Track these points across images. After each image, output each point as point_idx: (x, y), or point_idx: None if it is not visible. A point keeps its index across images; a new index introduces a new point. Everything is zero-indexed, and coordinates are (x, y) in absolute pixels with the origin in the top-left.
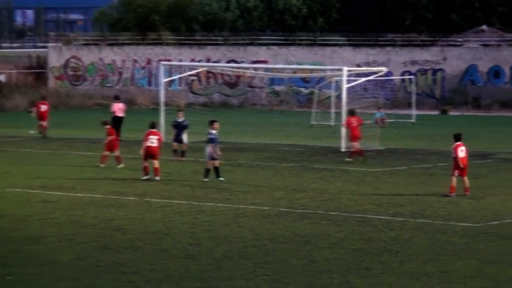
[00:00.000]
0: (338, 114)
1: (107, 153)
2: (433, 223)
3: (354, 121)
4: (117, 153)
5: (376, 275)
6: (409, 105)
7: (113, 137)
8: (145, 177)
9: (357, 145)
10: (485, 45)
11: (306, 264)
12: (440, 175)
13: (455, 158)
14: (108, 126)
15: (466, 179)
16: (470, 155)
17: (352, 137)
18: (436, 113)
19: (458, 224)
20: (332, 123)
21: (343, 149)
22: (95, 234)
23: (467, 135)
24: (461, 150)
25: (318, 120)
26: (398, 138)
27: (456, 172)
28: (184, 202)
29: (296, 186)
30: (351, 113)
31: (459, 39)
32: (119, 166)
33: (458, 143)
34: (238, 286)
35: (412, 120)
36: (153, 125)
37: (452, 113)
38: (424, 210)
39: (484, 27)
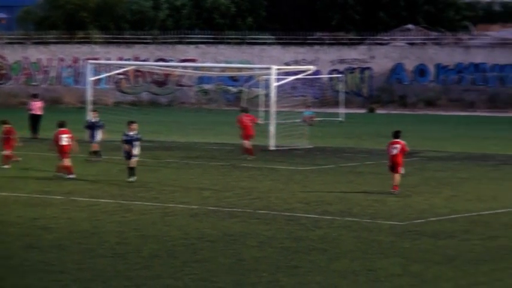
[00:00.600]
0: (267, 113)
1: (7, 152)
2: (360, 221)
3: (247, 120)
4: (7, 152)
5: (304, 273)
6: (337, 104)
7: (8, 136)
8: (70, 176)
9: (248, 143)
10: (411, 44)
11: (234, 262)
12: (368, 173)
13: (389, 155)
14: (6, 126)
15: (396, 176)
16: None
17: (244, 136)
18: (363, 111)
19: (384, 223)
20: (261, 121)
21: (272, 148)
22: (20, 233)
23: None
24: (394, 148)
25: None
26: (327, 136)
27: (399, 168)
28: (111, 201)
29: (224, 184)
30: (244, 111)
31: (386, 38)
32: (4, 166)
33: (393, 140)
34: (166, 285)
35: (340, 119)
36: (62, 124)
37: (379, 111)
38: (351, 209)
39: (410, 26)
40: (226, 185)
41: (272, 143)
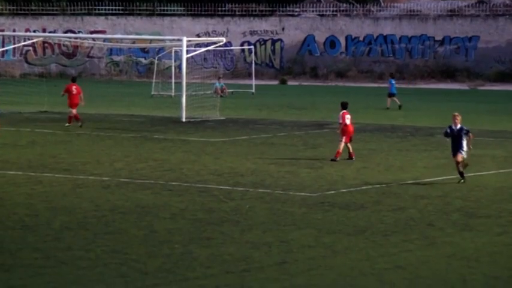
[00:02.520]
0: (179, 85)
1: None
2: (272, 193)
3: (74, 89)
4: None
5: (217, 245)
6: (249, 75)
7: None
8: None
9: (74, 111)
10: (322, 16)
11: (146, 234)
12: (280, 145)
13: (343, 125)
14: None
15: (350, 145)
16: (306, 124)
17: (71, 104)
18: (275, 83)
19: (297, 194)
20: (172, 93)
21: (183, 119)
22: None
23: (304, 104)
24: (348, 118)
25: (158, 90)
26: (239, 108)
27: (344, 138)
28: (20, 173)
29: (137, 156)
30: (72, 80)
31: (297, 10)
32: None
33: (345, 111)
34: (78, 256)
35: (252, 90)
36: None
37: (291, 82)
38: (264, 180)
39: None
40: (139, 156)
41: (183, 115)
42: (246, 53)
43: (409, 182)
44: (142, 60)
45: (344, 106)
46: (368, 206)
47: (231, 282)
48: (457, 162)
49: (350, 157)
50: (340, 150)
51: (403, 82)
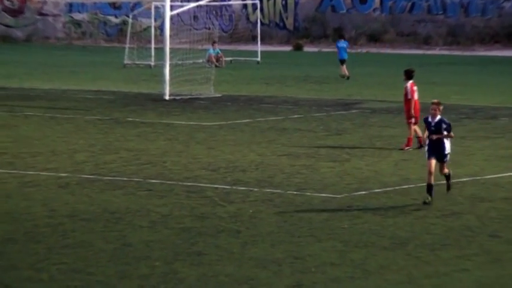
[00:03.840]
0: (160, 51)
1: None
2: (284, 194)
3: None
4: None
5: (211, 262)
6: (253, 39)
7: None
8: None
9: None
10: None
11: (117, 248)
12: (294, 130)
13: (410, 100)
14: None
15: (418, 128)
16: (328, 103)
17: None
18: (287, 48)
19: (316, 195)
20: (152, 62)
21: (167, 97)
22: None
23: (326, 77)
24: (416, 90)
25: (133, 58)
26: (240, 82)
27: (413, 119)
28: None
29: (105, 145)
30: None
31: None
32: None
33: (412, 81)
34: (26, 277)
35: (257, 59)
36: None
37: (308, 48)
38: (272, 177)
39: None
40: (107, 146)
41: (167, 91)
42: (250, 9)
43: (465, 179)
44: (112, 18)
45: (410, 75)
46: (410, 211)
47: None
48: (444, 174)
49: (420, 144)
50: (412, 135)
51: (457, 48)
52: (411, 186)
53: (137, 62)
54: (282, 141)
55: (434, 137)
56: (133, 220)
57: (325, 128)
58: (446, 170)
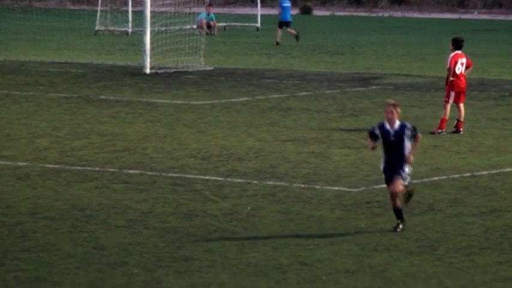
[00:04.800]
0: (139, 15)
1: None
2: (289, 187)
3: None
4: None
5: (201, 269)
6: (251, 1)
7: None
8: None
9: None
10: None
11: (88, 253)
12: (301, 110)
13: (452, 73)
14: None
15: (462, 107)
16: (342, 78)
17: None
18: (294, 12)
19: (327, 189)
20: (129, 29)
21: (147, 71)
22: None
23: (340, 47)
24: (462, 64)
25: (106, 24)
26: (235, 52)
27: (452, 96)
28: None
29: (72, 129)
30: None
31: None
32: None
33: (459, 51)
34: None
35: (257, 25)
36: None
37: (318, 12)
38: (275, 167)
39: None
40: (76, 129)
41: (148, 63)
42: None
43: (508, 169)
44: None
45: (458, 44)
46: (441, 208)
47: None
48: (394, 194)
49: (457, 129)
50: (447, 117)
51: (498, 12)
52: (442, 178)
53: (111, 28)
54: (286, 124)
55: (412, 158)
56: (108, 219)
57: (339, 107)
58: (398, 191)
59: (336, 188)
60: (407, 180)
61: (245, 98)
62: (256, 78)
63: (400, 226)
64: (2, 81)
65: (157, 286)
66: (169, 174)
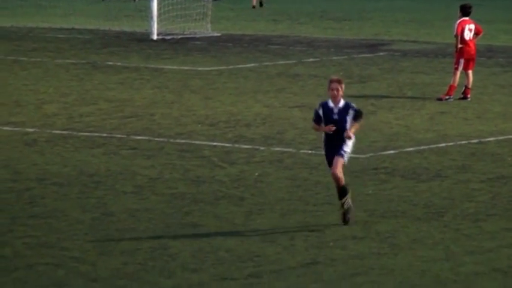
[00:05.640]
0: None
1: None
2: (296, 153)
3: None
4: None
5: (209, 236)
6: None
7: None
8: None
9: None
10: None
11: (96, 219)
12: (309, 77)
13: (460, 40)
14: None
15: (471, 74)
16: (350, 44)
17: None
18: None
19: None
20: None
21: (155, 37)
22: None
23: (347, 12)
24: (470, 30)
25: None
26: (243, 18)
27: (461, 63)
28: None
29: (80, 95)
30: None
31: None
32: None
33: (466, 18)
34: None
35: None
36: None
37: None
38: (282, 133)
39: None
40: (83, 95)
41: (155, 29)
42: None
43: None
44: None
45: (466, 10)
46: (448, 174)
47: None
48: (335, 176)
49: (465, 95)
50: (455, 84)
51: None
52: (449, 144)
53: None
54: (293, 90)
55: (352, 134)
56: (115, 185)
57: (346, 74)
58: (339, 173)
59: None
60: (346, 159)
61: (252, 64)
62: (264, 44)
63: (348, 201)
64: (9, 47)
65: (165, 252)
66: (177, 141)
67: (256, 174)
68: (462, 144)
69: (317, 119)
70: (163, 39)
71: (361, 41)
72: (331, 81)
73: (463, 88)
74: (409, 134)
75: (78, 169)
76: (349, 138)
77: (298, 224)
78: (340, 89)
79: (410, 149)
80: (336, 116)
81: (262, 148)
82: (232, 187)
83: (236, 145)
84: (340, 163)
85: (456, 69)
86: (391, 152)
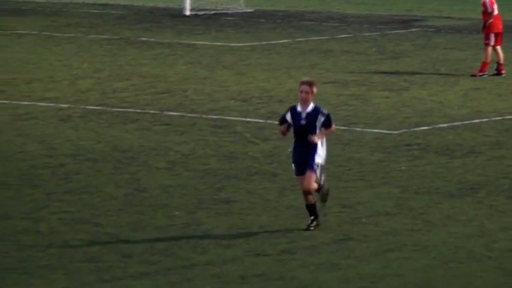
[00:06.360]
0: None
1: None
2: None
3: None
4: None
5: (241, 211)
6: None
7: None
8: None
9: None
10: None
11: (130, 194)
12: (341, 53)
13: (490, 15)
14: None
15: (500, 49)
16: (383, 20)
17: None
18: None
19: (368, 131)
20: None
21: (187, 12)
22: None
23: None
24: (496, 5)
25: None
26: None
27: (492, 38)
28: None
29: (113, 70)
30: None
31: None
32: None
33: None
34: (21, 229)
35: None
36: None
37: None
38: None
39: None
40: (117, 71)
41: (188, 5)
42: None
43: None
44: None
45: None
46: (483, 151)
47: (264, 271)
48: (306, 192)
49: (499, 71)
50: (488, 60)
51: None
52: (483, 120)
53: None
54: (326, 66)
55: (315, 138)
56: (149, 160)
57: (379, 50)
58: (311, 189)
59: (376, 130)
60: (322, 176)
61: (285, 40)
62: (296, 20)
63: (314, 223)
64: (44, 23)
65: (198, 228)
66: (210, 116)
67: (289, 150)
68: (496, 120)
69: (282, 123)
70: (196, 15)
71: (394, 16)
72: (302, 83)
73: (496, 65)
74: (443, 110)
75: (112, 145)
76: (312, 141)
77: (331, 200)
78: (310, 92)
79: (444, 125)
80: (303, 121)
81: None
82: (265, 163)
83: (269, 121)
84: (312, 178)
85: (487, 45)
86: (425, 128)
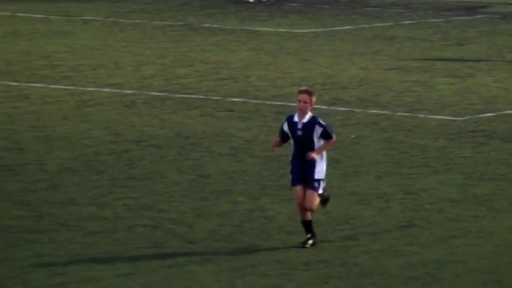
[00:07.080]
0: None
1: None
2: (392, 115)
3: None
4: None
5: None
6: None
7: None
8: None
9: None
10: None
11: (193, 180)
12: (405, 39)
13: None
14: None
15: None
16: (448, 7)
17: None
18: None
19: (431, 117)
20: None
21: None
22: None
23: None
24: None
25: None
26: None
27: None
28: None
29: (177, 57)
30: None
31: None
32: None
33: None
34: (86, 215)
35: None
36: None
37: None
38: (378, 96)
39: None
40: (180, 57)
41: None
42: None
43: None
44: None
45: None
46: None
47: (327, 257)
48: (309, 210)
49: None
50: None
51: None
52: None
53: None
54: (390, 53)
55: (314, 155)
56: (212, 147)
57: (444, 36)
58: (312, 208)
59: (440, 116)
60: (322, 188)
61: (349, 27)
62: (360, 6)
63: (310, 242)
64: (109, 9)
65: (262, 214)
66: (273, 103)
67: (352, 136)
68: None
69: (281, 135)
70: (259, 1)
71: (459, 3)
72: (300, 92)
73: None
74: (508, 96)
75: (175, 131)
76: (311, 159)
77: (394, 186)
78: (309, 101)
79: (509, 111)
80: (299, 132)
81: (358, 110)
82: (328, 150)
83: (332, 107)
84: (314, 198)
85: None
86: (490, 114)
